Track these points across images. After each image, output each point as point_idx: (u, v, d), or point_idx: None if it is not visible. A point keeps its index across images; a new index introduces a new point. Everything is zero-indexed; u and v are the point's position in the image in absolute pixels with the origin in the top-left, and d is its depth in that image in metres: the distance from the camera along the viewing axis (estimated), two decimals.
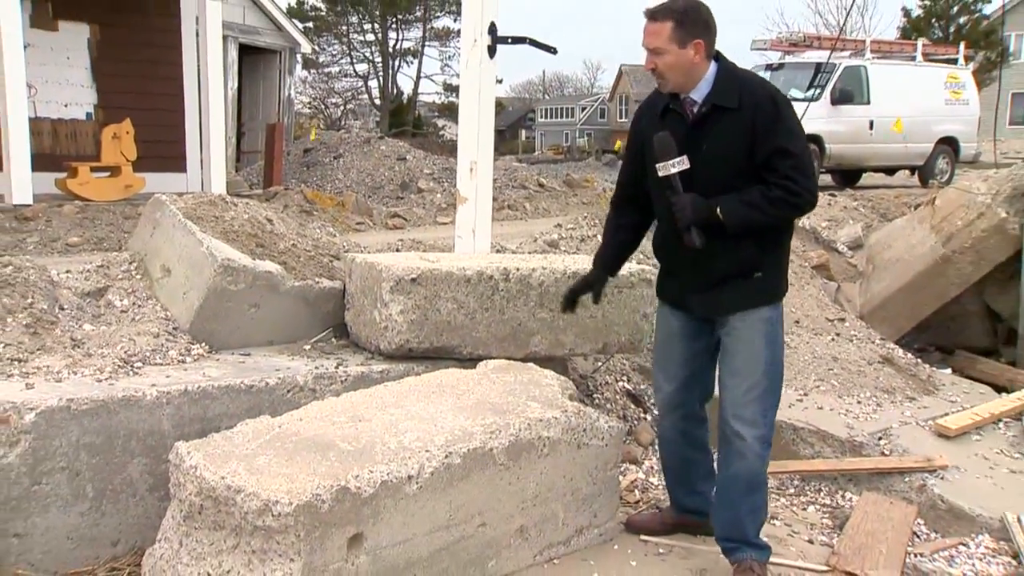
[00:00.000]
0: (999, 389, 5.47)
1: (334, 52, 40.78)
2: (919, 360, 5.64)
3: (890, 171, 13.57)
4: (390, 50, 40.47)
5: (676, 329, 3.16)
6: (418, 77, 42.40)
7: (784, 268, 3.06)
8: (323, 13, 39.67)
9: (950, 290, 6.48)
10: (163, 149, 9.76)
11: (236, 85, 15.40)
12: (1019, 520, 3.65)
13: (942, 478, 3.99)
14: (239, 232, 3.94)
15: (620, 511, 3.44)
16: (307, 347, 3.83)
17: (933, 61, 14.38)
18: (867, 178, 14.45)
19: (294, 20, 19.86)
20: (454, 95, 37.23)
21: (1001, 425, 4.62)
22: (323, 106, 41.55)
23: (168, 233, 3.90)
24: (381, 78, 41.08)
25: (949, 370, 5.91)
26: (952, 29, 31.37)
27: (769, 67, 13.95)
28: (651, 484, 4.00)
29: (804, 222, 7.34)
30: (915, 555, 3.51)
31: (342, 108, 41.98)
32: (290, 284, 3.79)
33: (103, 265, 4.02)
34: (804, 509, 3.97)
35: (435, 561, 2.76)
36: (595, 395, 4.59)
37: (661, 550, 3.28)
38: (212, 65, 9.22)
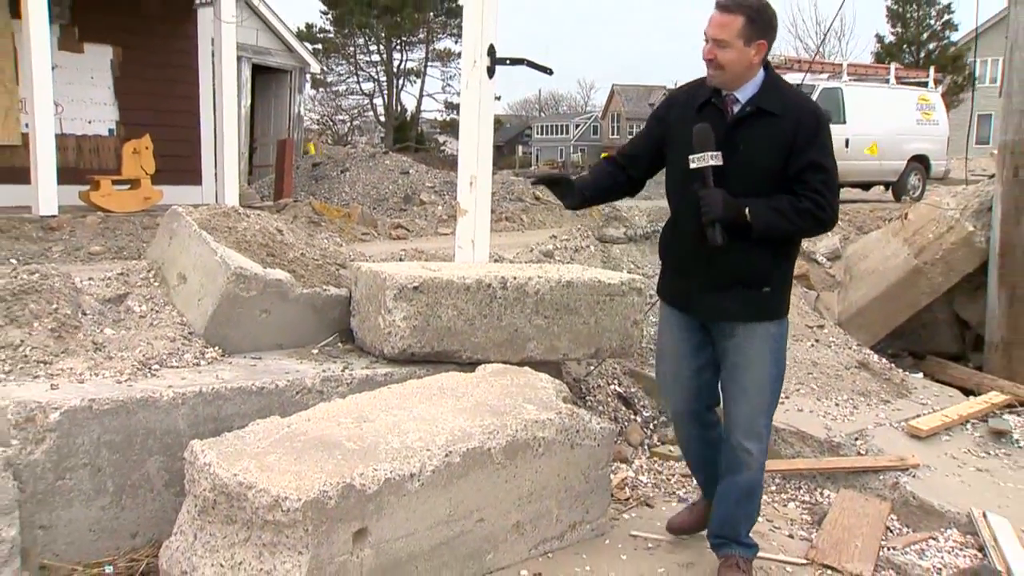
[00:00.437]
0: (967, 392, 5.50)
1: (341, 72, 40.81)
2: (893, 365, 5.66)
3: (865, 186, 13.58)
4: (394, 70, 40.50)
5: (681, 342, 3.05)
6: (421, 95, 42.46)
7: (789, 285, 2.97)
8: (331, 35, 39.73)
9: (922, 299, 6.53)
10: (180, 163, 9.77)
11: (249, 103, 15.42)
12: (984, 516, 3.67)
13: (914, 476, 4.01)
14: (251, 242, 3.94)
15: (611, 507, 3.44)
16: (315, 351, 3.83)
17: (905, 84, 14.43)
18: (844, 193, 14.47)
19: (304, 42, 19.88)
20: (455, 112, 37.25)
21: (969, 426, 4.65)
22: (331, 123, 41.51)
23: (184, 243, 3.90)
24: (386, 96, 41.09)
25: (921, 374, 5.92)
26: (922, 55, 31.55)
27: None
28: (640, 482, 4.00)
29: None
30: (888, 548, 3.52)
31: (349, 125, 41.94)
32: (299, 291, 3.79)
33: (123, 273, 4.02)
34: (785, 506, 3.97)
35: (435, 554, 2.76)
36: (588, 398, 4.59)
37: (650, 545, 3.29)
38: (227, 84, 9.24)
